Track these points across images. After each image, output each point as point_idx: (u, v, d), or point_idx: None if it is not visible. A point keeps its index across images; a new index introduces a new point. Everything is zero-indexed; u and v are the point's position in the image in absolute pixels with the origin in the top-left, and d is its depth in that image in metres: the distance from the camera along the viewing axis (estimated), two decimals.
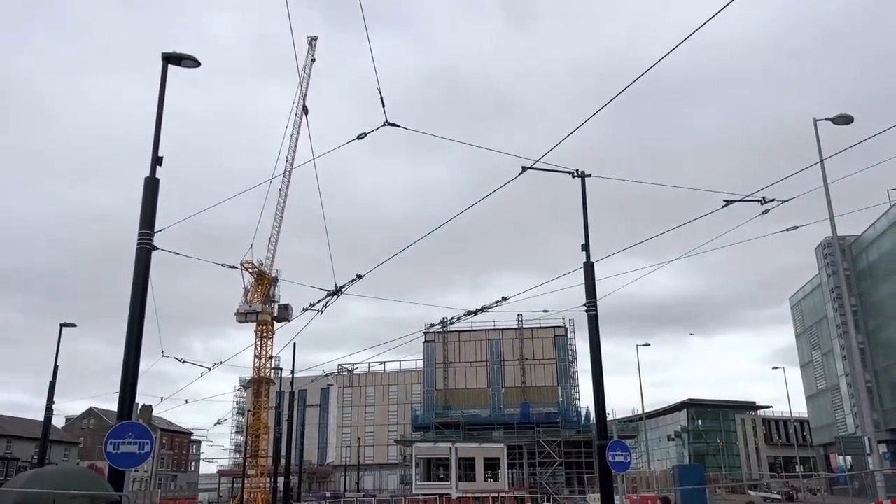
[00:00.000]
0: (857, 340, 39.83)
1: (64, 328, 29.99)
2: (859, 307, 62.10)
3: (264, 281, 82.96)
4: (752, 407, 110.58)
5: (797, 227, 17.21)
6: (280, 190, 78.35)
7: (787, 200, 15.34)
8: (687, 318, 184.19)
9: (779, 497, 46.83)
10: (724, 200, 15.32)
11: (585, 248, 17.99)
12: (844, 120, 22.66)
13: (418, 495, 50.06)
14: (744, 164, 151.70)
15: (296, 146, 74.23)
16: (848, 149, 14.69)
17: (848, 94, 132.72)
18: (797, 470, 79.80)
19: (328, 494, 66.72)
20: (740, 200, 15.22)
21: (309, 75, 73.08)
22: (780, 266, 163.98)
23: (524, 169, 14.62)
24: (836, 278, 65.77)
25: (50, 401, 28.14)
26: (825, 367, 73.48)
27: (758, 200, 15.17)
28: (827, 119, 23.11)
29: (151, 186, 12.90)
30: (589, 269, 18.19)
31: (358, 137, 14.05)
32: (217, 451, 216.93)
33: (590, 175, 17.16)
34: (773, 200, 15.16)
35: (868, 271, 63.66)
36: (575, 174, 17.09)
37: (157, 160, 13.04)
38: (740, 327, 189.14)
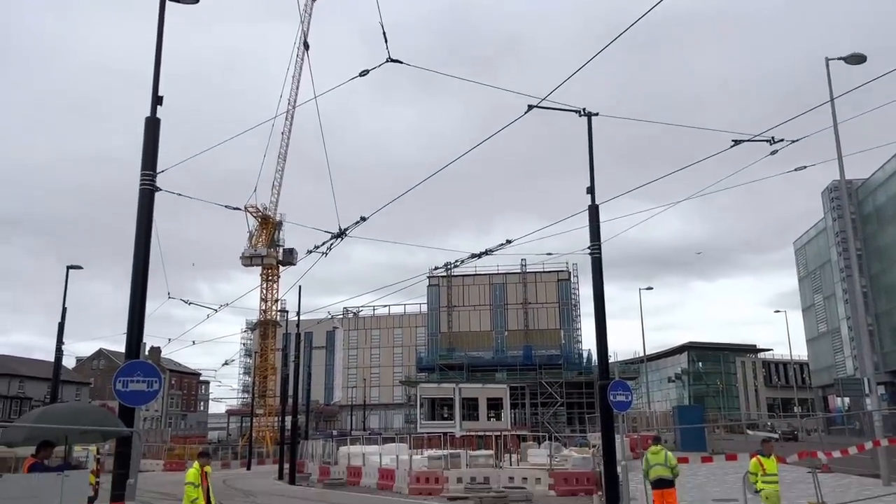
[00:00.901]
0: (860, 284, 39.90)
1: (71, 270, 30.24)
2: (863, 251, 62.08)
3: (268, 225, 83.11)
4: (752, 350, 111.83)
5: (805, 168, 17.02)
6: (282, 133, 77.84)
7: (797, 141, 15.12)
8: (690, 263, 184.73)
9: (776, 436, 47.66)
10: (733, 140, 15.11)
11: (591, 190, 17.84)
12: (857, 59, 22.13)
13: (423, 433, 51.14)
14: (754, 108, 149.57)
15: (298, 85, 73.32)
16: (860, 87, 14.41)
17: (861, 35, 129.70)
18: (795, 411, 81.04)
19: (335, 432, 68.23)
20: (749, 140, 15.01)
21: (310, 14, 71.62)
22: (785, 211, 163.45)
23: (530, 107, 14.39)
24: (841, 222, 65.62)
25: (59, 341, 28.56)
26: (827, 310, 73.89)
27: (766, 140, 14.96)
28: (839, 59, 22.60)
29: (152, 126, 12.75)
30: (594, 211, 18.08)
31: (360, 74, 13.80)
32: (225, 392, 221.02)
33: (596, 114, 16.90)
34: (781, 141, 14.95)
35: (874, 215, 63.41)
36: (581, 113, 16.83)
37: (157, 100, 12.86)
38: (743, 272, 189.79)
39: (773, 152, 15.26)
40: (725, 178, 20.31)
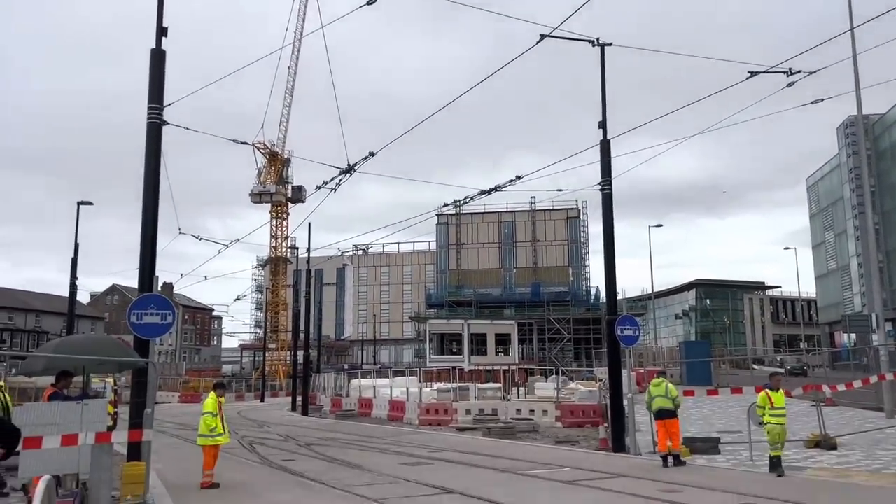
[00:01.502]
0: (872, 220, 39.48)
1: (82, 206, 30.39)
2: (877, 188, 61.40)
3: (277, 161, 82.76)
4: (760, 287, 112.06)
5: (822, 101, 16.62)
6: (289, 68, 76.68)
7: (814, 72, 14.74)
8: (701, 200, 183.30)
9: (783, 371, 48.13)
10: (749, 72, 14.74)
11: (602, 124, 17.59)
12: None
13: (432, 367, 52.04)
14: (771, 41, 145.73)
15: (304, 16, 71.79)
16: (879, 16, 13.95)
17: None
18: (801, 347, 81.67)
19: (346, 367, 69.56)
20: (765, 72, 14.64)
21: None
22: (799, 149, 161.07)
23: (542, 37, 14.05)
24: (855, 158, 64.78)
25: (73, 276, 28.95)
26: (837, 247, 73.68)
27: (783, 72, 14.59)
28: None
29: (157, 58, 12.58)
30: (605, 146, 17.87)
31: (368, 2, 13.46)
32: (238, 327, 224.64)
33: (610, 44, 16.51)
34: (799, 72, 14.57)
35: (889, 151, 62.54)
36: (595, 43, 16.44)
37: (161, 31, 12.66)
38: (755, 209, 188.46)
39: (791, 84, 14.91)
40: (740, 112, 19.98)
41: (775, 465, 12.42)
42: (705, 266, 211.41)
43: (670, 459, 13.70)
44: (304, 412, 36.17)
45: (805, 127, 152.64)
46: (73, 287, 29.46)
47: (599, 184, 17.83)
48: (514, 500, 10.29)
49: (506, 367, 40.39)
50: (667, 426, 13.79)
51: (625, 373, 17.83)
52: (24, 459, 9.05)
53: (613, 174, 17.72)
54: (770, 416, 12.62)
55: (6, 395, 11.40)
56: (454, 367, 47.46)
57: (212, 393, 13.38)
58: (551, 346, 71.98)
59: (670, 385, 14.21)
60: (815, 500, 9.81)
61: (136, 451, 11.20)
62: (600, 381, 29.95)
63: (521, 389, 33.79)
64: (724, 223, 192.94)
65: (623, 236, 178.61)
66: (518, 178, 19.54)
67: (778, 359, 52.31)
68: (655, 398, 14.00)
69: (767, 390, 12.86)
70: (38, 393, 14.90)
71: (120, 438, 11.08)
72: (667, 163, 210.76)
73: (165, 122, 12.49)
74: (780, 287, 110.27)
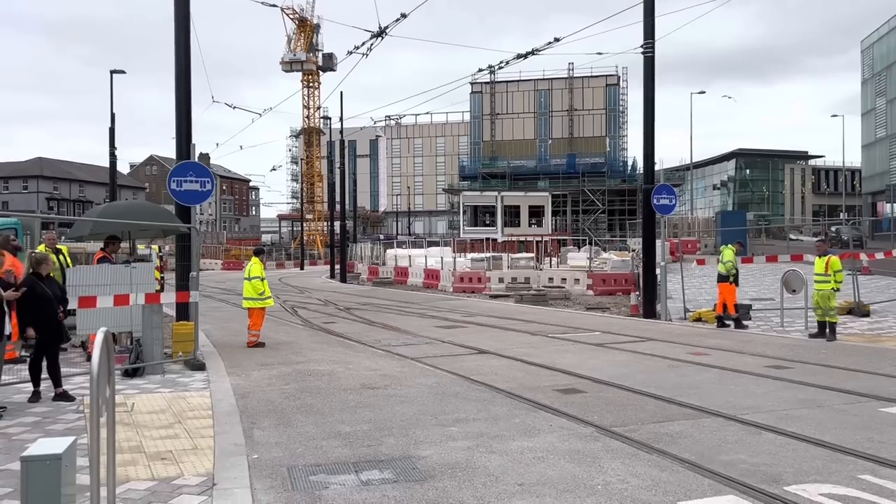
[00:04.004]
0: None
1: (115, 75, 30.27)
2: None
3: (306, 28, 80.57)
4: (803, 157, 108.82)
5: None
6: None
7: None
8: (748, 67, 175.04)
9: (824, 237, 46.84)
10: None
11: None
12: None
13: (465, 238, 52.66)
14: None
15: None
16: None
17: None
18: (841, 217, 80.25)
19: (382, 237, 70.80)
20: None
21: None
22: (856, 9, 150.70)
23: None
24: None
25: (112, 146, 29.26)
26: (889, 114, 70.72)
27: None
28: None
29: None
30: (649, 5, 16.96)
31: None
32: (275, 197, 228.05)
33: None
34: None
35: None
36: None
37: None
38: (805, 76, 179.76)
39: None
40: None
41: (819, 331, 12.65)
42: (749, 136, 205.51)
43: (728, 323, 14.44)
44: (343, 279, 37.28)
45: None
46: (113, 157, 29.88)
47: (642, 46, 17.09)
48: (544, 361, 10.67)
49: (539, 238, 40.65)
50: (720, 288, 14.64)
51: (658, 242, 17.85)
52: (81, 318, 9.58)
53: (657, 36, 16.92)
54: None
55: (67, 257, 11.91)
56: (487, 238, 47.92)
57: (254, 258, 13.79)
58: (585, 218, 71.80)
59: (726, 253, 14.70)
60: (842, 363, 9.99)
61: (184, 311, 11.77)
62: (633, 251, 30.08)
63: (554, 260, 34.17)
64: (773, 90, 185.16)
65: (665, 105, 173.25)
66: (556, 40, 18.74)
67: (833, 228, 49.29)
68: (718, 265, 14.85)
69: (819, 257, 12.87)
70: (88, 258, 15.53)
71: (168, 300, 11.62)
72: (714, 26, 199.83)
73: None
74: (823, 157, 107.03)
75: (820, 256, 12.83)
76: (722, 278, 14.51)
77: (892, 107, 69.49)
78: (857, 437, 6.20)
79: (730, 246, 14.80)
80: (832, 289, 12.44)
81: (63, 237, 17.67)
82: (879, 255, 17.48)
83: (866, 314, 15.42)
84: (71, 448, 3.86)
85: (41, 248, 11.22)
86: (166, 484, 5.23)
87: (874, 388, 8.23)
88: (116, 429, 4.42)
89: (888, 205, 61.87)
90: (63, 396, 8.16)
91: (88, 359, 7.95)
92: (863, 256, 18.01)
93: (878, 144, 72.68)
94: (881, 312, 15.98)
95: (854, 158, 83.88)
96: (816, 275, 12.74)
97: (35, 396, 8.16)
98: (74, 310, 9.26)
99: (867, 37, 77.15)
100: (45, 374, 8.27)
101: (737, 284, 14.61)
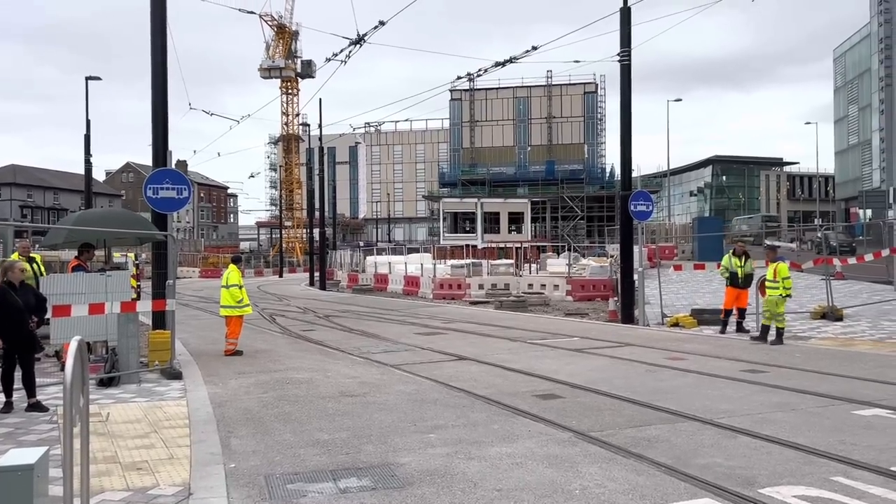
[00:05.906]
0: None
1: (90, 81, 29.95)
2: None
3: (285, 34, 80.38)
4: (778, 163, 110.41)
5: None
6: None
7: None
8: (725, 75, 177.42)
9: (779, 245, 47.52)
10: None
11: None
12: None
13: (446, 245, 52.74)
14: None
15: None
16: None
17: None
18: (815, 223, 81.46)
19: (361, 244, 70.66)
20: None
21: None
22: (830, 19, 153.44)
23: None
24: (887, 27, 61.97)
25: (87, 153, 28.94)
26: (860, 121, 71.98)
27: None
28: None
29: None
30: (625, 14, 17.16)
31: None
32: (254, 204, 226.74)
33: None
34: None
35: None
36: None
37: None
38: (781, 84, 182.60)
39: None
40: None
41: (762, 334, 12.97)
42: (724, 144, 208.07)
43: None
44: (322, 287, 37.13)
45: None
46: (88, 164, 29.55)
47: (618, 54, 17.27)
48: (523, 366, 10.70)
49: (518, 245, 40.82)
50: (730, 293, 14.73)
51: (636, 248, 18.01)
52: (55, 327, 9.45)
53: (634, 44, 17.12)
54: (767, 287, 12.96)
55: (41, 266, 11.74)
56: (467, 245, 48.06)
57: (232, 266, 13.70)
58: (564, 225, 72.20)
59: (727, 259, 14.78)
60: (816, 367, 10.14)
61: (160, 320, 11.65)
62: (611, 257, 30.30)
63: (534, 266, 34.33)
64: (750, 97, 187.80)
65: (642, 113, 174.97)
66: (534, 48, 18.99)
67: (820, 234, 49.23)
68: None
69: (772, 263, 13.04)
70: (62, 266, 15.31)
71: (144, 308, 11.49)
72: (691, 35, 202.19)
73: None
74: (797, 163, 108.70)
75: (769, 263, 13.05)
76: (728, 282, 14.68)
77: (863, 114, 70.75)
78: (830, 439, 6.29)
79: (731, 252, 14.94)
80: (780, 295, 12.60)
81: (37, 245, 17.42)
82: (852, 261, 17.77)
83: (840, 318, 15.65)
84: (43, 458, 3.80)
85: (14, 256, 11.06)
86: (142, 494, 5.18)
87: (847, 390, 8.36)
88: (91, 439, 4.36)
89: (861, 210, 62.90)
90: (36, 407, 8.04)
91: (62, 368, 7.85)
92: (836, 261, 18.29)
93: (851, 151, 73.94)
94: (854, 316, 16.22)
95: (828, 165, 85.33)
96: (767, 281, 12.95)
97: (7, 407, 8.03)
98: (49, 319, 9.13)
99: (839, 45, 78.56)
100: (17, 385, 8.14)
101: (738, 286, 14.51)
